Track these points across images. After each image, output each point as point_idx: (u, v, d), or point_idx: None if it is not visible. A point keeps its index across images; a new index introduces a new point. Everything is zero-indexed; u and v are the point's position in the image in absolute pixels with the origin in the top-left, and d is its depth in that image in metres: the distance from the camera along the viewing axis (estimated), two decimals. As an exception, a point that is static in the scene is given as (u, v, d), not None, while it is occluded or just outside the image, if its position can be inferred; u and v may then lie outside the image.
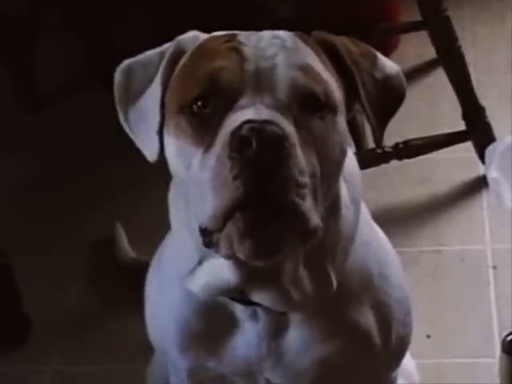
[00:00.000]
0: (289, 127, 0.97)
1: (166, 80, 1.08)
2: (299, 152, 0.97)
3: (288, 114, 0.99)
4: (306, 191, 0.97)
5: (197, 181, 0.99)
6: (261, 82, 1.00)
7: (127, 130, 1.10)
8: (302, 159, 0.97)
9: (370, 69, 1.09)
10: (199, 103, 1.01)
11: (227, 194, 0.95)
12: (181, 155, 1.02)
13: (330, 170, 1.02)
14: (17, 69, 2.68)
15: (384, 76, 1.10)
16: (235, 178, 0.94)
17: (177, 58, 1.08)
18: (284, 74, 1.01)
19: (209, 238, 1.00)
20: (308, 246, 1.01)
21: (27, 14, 2.70)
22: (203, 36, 1.10)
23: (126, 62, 1.12)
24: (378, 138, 1.09)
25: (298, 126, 0.99)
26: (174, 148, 1.04)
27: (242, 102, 0.99)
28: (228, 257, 1.00)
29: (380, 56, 1.12)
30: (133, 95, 1.10)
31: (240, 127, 0.95)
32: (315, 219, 0.99)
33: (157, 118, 1.06)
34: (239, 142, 0.94)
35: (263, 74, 1.01)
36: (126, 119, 1.10)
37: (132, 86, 1.10)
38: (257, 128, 0.95)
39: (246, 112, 0.98)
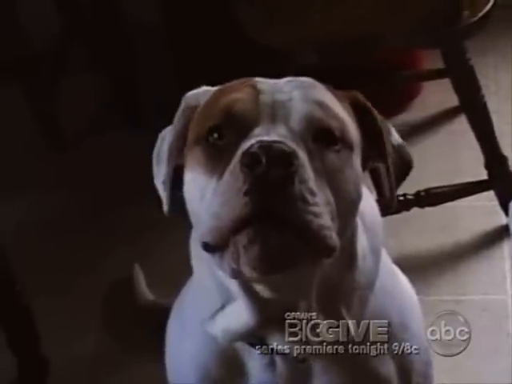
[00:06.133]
0: (301, 153, 0.98)
1: (178, 132, 1.11)
2: (310, 174, 0.98)
3: (301, 143, 1.00)
4: (321, 210, 0.97)
5: (209, 209, 1.00)
6: (276, 113, 1.02)
7: (158, 187, 1.15)
8: (313, 181, 0.98)
9: (388, 133, 1.12)
10: (215, 135, 1.03)
11: (236, 209, 0.96)
12: (195, 185, 1.04)
13: (344, 207, 1.02)
14: (42, 109, 2.70)
15: (397, 144, 1.13)
16: (245, 193, 0.96)
17: (188, 113, 1.12)
18: (299, 107, 1.03)
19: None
20: (320, 266, 1.01)
21: (53, 55, 2.73)
22: (214, 89, 1.13)
23: (165, 129, 1.17)
24: (392, 199, 1.11)
25: (311, 156, 1.00)
26: (189, 179, 1.05)
27: (257, 131, 1.01)
28: (233, 272, 0.99)
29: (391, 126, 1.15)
30: (162, 156, 1.14)
31: (251, 146, 0.97)
32: (332, 238, 0.99)
33: (164, 170, 1.11)
34: (250, 158, 0.96)
35: (279, 105, 1.03)
36: (157, 178, 1.15)
37: (162, 149, 1.15)
38: (266, 146, 0.96)
39: (259, 139, 0.99)
